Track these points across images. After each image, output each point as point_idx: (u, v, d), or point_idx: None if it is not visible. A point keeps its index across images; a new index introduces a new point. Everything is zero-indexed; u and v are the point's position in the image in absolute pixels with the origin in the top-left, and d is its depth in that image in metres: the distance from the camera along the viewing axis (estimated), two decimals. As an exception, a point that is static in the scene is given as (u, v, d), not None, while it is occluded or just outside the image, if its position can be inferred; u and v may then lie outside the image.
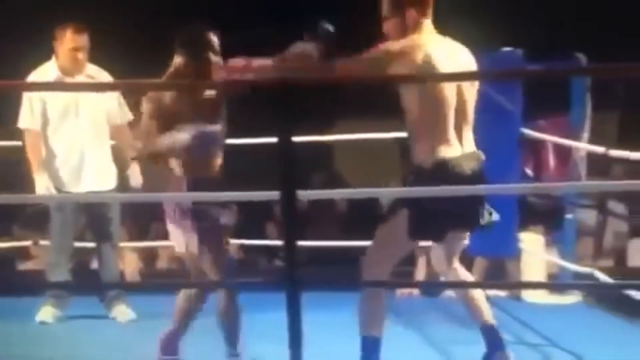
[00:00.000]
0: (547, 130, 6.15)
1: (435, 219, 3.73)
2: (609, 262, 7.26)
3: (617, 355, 4.56)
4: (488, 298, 5.96)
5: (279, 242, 6.51)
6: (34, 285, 5.71)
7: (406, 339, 4.90)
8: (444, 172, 3.75)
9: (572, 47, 5.93)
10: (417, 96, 3.77)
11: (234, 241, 6.52)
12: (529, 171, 6.36)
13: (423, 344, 4.83)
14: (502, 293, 6.06)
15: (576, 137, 5.98)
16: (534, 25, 8.15)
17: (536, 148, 6.39)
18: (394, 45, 3.79)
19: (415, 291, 6.27)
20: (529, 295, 5.92)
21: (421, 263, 6.54)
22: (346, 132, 7.04)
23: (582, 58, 5.86)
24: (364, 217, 7.92)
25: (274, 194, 3.04)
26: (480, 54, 5.65)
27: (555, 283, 6.25)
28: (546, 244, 6.37)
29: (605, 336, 5.02)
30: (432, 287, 6.42)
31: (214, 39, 4.06)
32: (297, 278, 3.07)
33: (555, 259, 6.24)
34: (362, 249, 6.70)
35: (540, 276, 6.07)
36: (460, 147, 3.85)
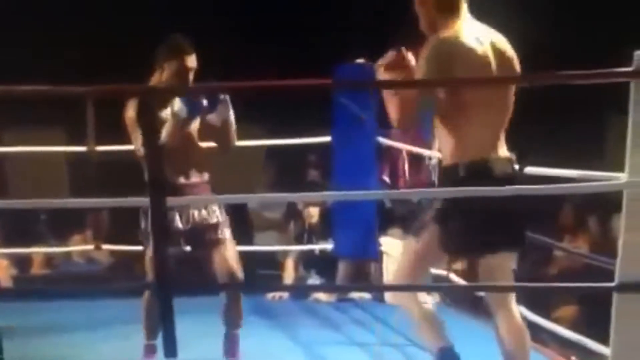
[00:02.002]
0: (400, 139, 6.14)
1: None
2: (462, 265, 7.28)
3: (469, 351, 4.56)
4: (353, 300, 5.94)
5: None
6: None
7: (276, 341, 4.78)
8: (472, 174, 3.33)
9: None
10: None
11: (107, 247, 6.31)
12: (385, 178, 6.32)
13: (292, 345, 4.71)
14: (366, 295, 6.00)
15: (427, 146, 5.99)
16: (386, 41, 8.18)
17: (391, 156, 6.36)
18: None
19: (285, 294, 6.15)
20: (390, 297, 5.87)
21: (289, 266, 6.44)
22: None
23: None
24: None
25: (144, 200, 2.88)
26: (335, 66, 5.69)
27: (414, 285, 6.21)
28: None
29: (460, 335, 5.00)
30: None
31: (192, 52, 4.02)
32: (168, 282, 2.93)
33: (413, 262, 6.21)
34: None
35: (400, 278, 6.02)
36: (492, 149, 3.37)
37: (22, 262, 7.26)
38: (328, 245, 6.22)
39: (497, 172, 3.32)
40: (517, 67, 3.38)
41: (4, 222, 7.64)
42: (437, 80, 3.31)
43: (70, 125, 7.03)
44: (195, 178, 4.07)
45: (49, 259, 7.44)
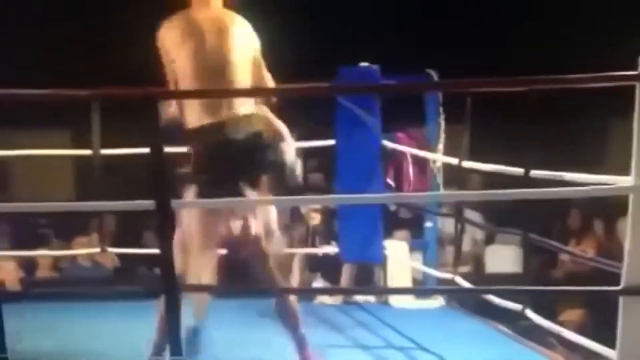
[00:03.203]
0: (404, 143, 6.14)
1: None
2: (468, 268, 7.29)
3: (476, 354, 4.57)
4: (358, 303, 5.93)
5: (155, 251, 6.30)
6: None
7: (281, 343, 4.75)
8: (200, 138, 3.63)
9: (424, 64, 5.94)
10: (173, 66, 3.69)
11: (112, 250, 6.31)
12: (390, 181, 6.31)
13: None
14: (371, 298, 6.00)
15: (432, 149, 5.99)
16: (389, 43, 8.22)
17: (396, 159, 6.36)
18: None
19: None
20: (395, 301, 5.87)
21: (294, 269, 6.43)
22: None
23: (433, 74, 5.87)
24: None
25: (149, 204, 2.88)
26: (340, 69, 5.69)
27: (420, 288, 6.23)
28: (410, 251, 6.32)
29: (465, 338, 5.02)
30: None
31: None
32: (175, 284, 2.96)
33: (418, 265, 6.21)
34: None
35: (405, 282, 6.03)
36: (224, 111, 3.64)
37: (28, 265, 7.28)
38: (332, 249, 6.23)
39: (230, 133, 3.61)
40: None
41: (10, 225, 7.67)
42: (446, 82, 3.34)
43: (77, 128, 7.08)
44: None
45: (55, 262, 7.45)
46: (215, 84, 3.64)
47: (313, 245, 6.48)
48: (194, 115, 3.63)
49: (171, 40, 3.69)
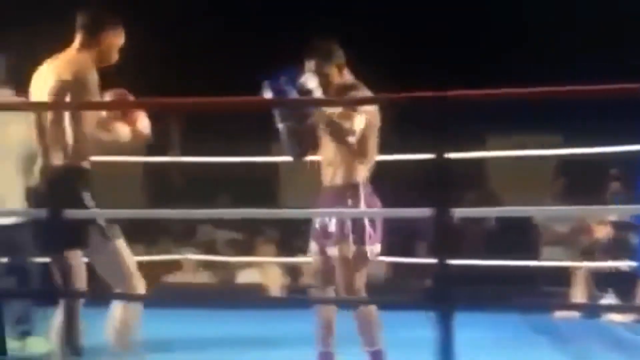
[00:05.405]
0: None
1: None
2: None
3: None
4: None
5: (428, 260, 6.30)
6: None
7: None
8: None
9: None
10: None
11: (383, 259, 6.35)
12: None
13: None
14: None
15: None
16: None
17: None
18: None
19: (575, 313, 5.95)
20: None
21: (580, 283, 6.23)
22: (497, 149, 6.79)
23: None
24: (513, 236, 7.70)
25: (426, 211, 2.84)
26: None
27: None
28: None
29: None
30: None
31: None
32: (450, 297, 2.89)
33: None
34: (509, 268, 6.50)
35: None
36: None
37: (292, 272, 7.50)
38: (627, 263, 6.00)
39: None
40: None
41: (278, 232, 7.97)
42: None
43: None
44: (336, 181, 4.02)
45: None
46: None
47: (605, 259, 6.24)
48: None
49: None
